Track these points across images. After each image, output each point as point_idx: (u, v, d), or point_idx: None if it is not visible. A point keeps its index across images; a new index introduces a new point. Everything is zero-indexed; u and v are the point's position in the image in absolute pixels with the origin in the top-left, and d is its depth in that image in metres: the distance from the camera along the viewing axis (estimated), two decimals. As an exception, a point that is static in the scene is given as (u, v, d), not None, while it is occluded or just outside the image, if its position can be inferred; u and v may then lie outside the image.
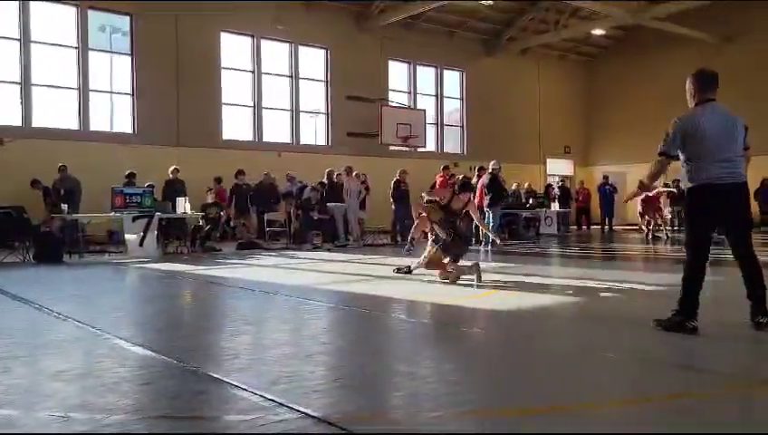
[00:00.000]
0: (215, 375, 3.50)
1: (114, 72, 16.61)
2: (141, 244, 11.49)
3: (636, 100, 24.46)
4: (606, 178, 21.23)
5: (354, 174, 15.49)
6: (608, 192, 20.31)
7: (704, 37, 21.52)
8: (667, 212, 19.81)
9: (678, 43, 21.98)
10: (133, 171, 13.26)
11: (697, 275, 4.51)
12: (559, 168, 25.79)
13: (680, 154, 4.58)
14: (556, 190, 20.64)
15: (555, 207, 19.30)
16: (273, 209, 15.02)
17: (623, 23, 21.19)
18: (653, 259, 11.85)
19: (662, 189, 17.25)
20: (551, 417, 2.86)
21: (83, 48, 15.87)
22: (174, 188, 13.83)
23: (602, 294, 6.66)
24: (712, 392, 3.19)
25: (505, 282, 7.62)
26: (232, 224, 15.19)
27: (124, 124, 16.63)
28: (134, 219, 11.52)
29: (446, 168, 15.88)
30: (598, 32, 23.01)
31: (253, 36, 18.56)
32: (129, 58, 16.59)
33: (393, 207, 15.64)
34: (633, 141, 24.36)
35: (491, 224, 13.29)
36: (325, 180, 15.08)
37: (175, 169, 14.30)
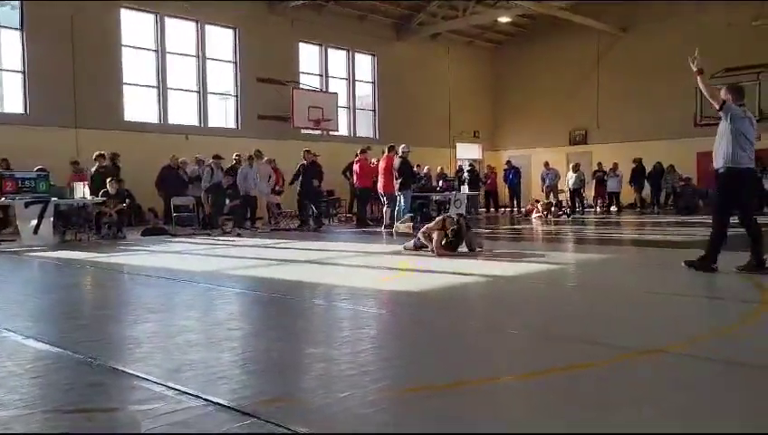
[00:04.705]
0: (113, 366, 3.34)
1: (3, 48, 15.46)
2: (36, 231, 10.83)
3: (540, 86, 25.32)
4: (508, 162, 21.92)
5: (266, 159, 15.20)
6: (510, 176, 20.96)
7: (603, 27, 22.53)
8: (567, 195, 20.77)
9: (580, 32, 22.90)
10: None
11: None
12: (468, 152, 26.37)
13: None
14: (466, 174, 21.13)
15: (465, 190, 19.78)
16: (181, 194, 14.51)
17: (528, 11, 21.80)
18: (556, 239, 12.35)
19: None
20: (455, 392, 2.92)
21: (-34, 21, 14.70)
22: None
23: (508, 274, 6.86)
24: (599, 362, 3.37)
25: (417, 264, 7.72)
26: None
27: (15, 104, 15.55)
28: (27, 205, 10.83)
29: (363, 151, 15.76)
30: (504, 19, 23.56)
31: (156, 14, 17.76)
32: (19, 32, 15.48)
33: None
34: (537, 127, 25.29)
35: (402, 207, 13.41)
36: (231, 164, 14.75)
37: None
